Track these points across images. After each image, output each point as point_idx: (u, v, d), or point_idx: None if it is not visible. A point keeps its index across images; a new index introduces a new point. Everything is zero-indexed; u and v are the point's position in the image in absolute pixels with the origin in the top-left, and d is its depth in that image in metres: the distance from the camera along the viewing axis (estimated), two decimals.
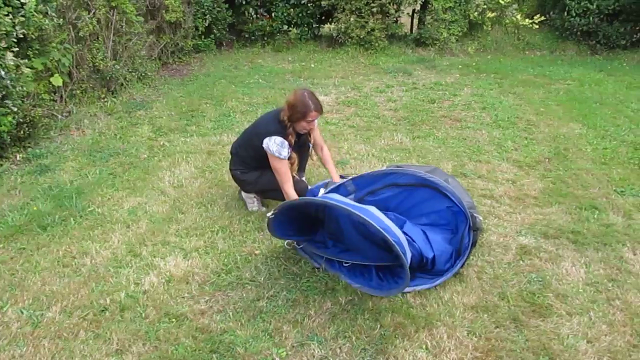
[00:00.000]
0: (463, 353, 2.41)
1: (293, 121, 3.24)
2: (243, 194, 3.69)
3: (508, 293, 2.81)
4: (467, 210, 3.05)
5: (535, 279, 2.94)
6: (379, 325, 2.56)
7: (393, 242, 2.41)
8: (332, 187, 3.45)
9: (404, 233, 2.90)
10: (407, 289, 2.79)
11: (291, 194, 3.30)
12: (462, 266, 2.95)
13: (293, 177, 3.70)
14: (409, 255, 2.65)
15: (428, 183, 3.23)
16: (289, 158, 3.33)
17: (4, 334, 2.49)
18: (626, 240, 3.34)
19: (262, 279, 2.92)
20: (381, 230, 2.45)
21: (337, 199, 2.82)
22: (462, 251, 2.98)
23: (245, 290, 2.83)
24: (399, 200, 3.35)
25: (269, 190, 3.54)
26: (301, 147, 3.53)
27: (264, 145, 3.24)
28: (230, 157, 3.67)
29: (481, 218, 3.36)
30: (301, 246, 3.15)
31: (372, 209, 2.74)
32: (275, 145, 3.22)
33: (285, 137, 3.26)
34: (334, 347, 2.44)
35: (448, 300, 2.75)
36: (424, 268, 2.92)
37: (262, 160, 3.37)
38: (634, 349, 2.44)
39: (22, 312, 2.63)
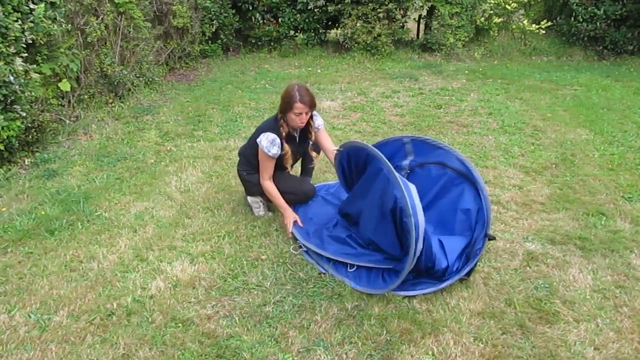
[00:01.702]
0: (469, 359, 2.40)
1: (283, 113, 3.31)
2: (249, 198, 3.70)
3: (515, 299, 2.80)
4: (489, 215, 3.01)
5: (542, 286, 2.92)
6: (385, 331, 2.56)
7: (410, 217, 2.53)
8: (389, 138, 3.42)
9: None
10: (412, 293, 2.80)
11: (267, 186, 3.43)
12: (469, 272, 2.91)
13: (301, 179, 3.76)
14: (420, 244, 2.63)
15: (470, 177, 3.16)
16: (282, 152, 3.36)
17: (11, 337, 2.50)
18: (634, 247, 3.32)
19: (268, 284, 2.93)
20: (410, 207, 2.53)
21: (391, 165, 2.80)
22: (472, 256, 2.93)
23: (252, 296, 2.84)
24: (440, 187, 3.31)
25: None
26: (304, 154, 3.64)
27: (258, 140, 3.32)
28: (238, 158, 3.72)
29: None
30: (302, 248, 3.19)
31: (413, 189, 2.75)
32: (267, 142, 3.29)
33: (277, 131, 3.31)
34: (340, 352, 2.44)
35: (454, 306, 2.74)
36: (434, 276, 2.90)
37: None
38: None
39: (29, 316, 2.65)
